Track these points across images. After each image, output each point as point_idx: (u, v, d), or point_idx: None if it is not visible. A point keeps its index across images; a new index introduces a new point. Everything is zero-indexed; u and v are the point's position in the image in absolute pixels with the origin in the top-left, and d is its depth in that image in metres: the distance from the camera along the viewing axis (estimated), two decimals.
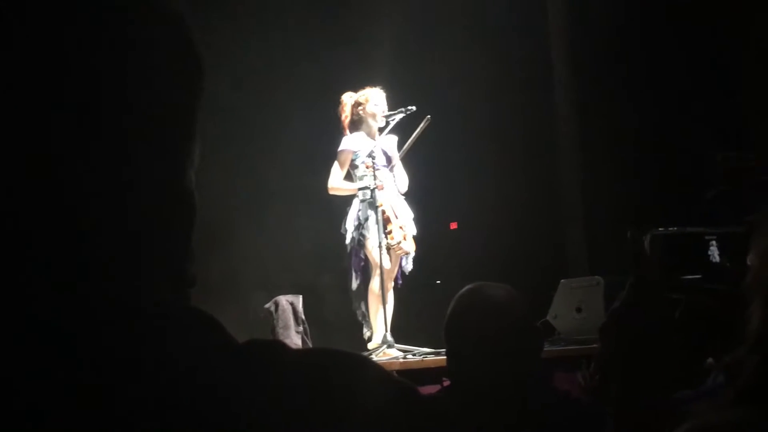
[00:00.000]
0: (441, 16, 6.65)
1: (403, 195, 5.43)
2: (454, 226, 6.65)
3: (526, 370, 1.91)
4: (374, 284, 5.18)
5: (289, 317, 5.46)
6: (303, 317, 5.53)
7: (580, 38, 6.63)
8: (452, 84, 6.64)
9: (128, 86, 0.60)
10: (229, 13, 6.38)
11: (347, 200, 5.32)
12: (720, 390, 1.28)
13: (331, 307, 6.15)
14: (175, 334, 0.59)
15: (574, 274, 5.75)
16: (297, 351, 0.62)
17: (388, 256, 5.14)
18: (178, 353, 0.58)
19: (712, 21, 5.82)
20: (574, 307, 4.88)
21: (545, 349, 2.32)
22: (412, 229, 5.34)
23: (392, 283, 5.26)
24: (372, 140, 5.32)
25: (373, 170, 5.14)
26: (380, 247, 5.01)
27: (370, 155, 5.19)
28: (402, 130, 5.33)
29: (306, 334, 5.51)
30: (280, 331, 5.37)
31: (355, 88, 5.45)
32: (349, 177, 5.34)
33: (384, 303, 5.02)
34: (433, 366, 4.32)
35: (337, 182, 5.30)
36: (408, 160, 5.45)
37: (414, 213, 5.42)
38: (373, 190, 5.10)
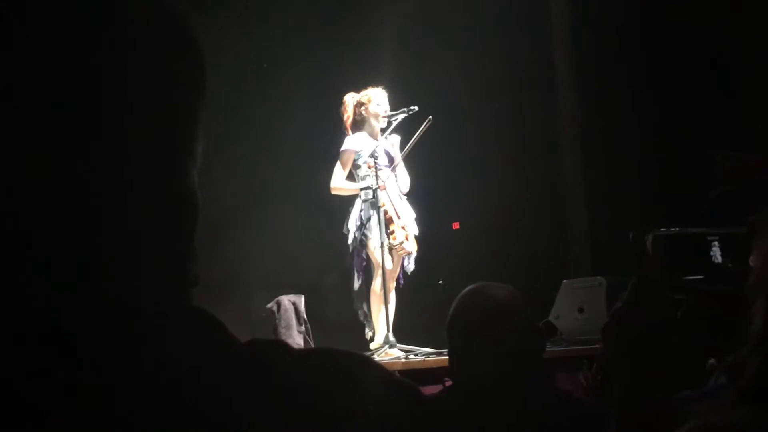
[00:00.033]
0: (443, 16, 6.64)
1: (405, 195, 5.43)
2: (456, 226, 6.65)
3: (528, 370, 1.91)
4: (376, 284, 5.18)
5: (292, 317, 5.46)
6: (305, 317, 5.53)
7: (582, 38, 6.63)
8: (454, 84, 6.63)
9: (129, 86, 0.60)
10: (231, 12, 6.38)
11: (349, 200, 5.32)
12: (722, 391, 1.28)
13: (334, 307, 6.15)
14: (178, 334, 0.59)
15: (576, 274, 5.75)
16: (299, 351, 0.62)
17: (390, 257, 5.14)
18: (180, 353, 0.58)
19: (713, 21, 5.81)
20: (576, 308, 4.87)
21: (547, 349, 2.32)
22: (414, 229, 5.34)
23: (394, 283, 5.26)
24: (374, 140, 5.32)
25: (375, 170, 5.14)
26: (382, 247, 5.01)
27: (373, 155, 5.19)
28: (404, 130, 5.33)
29: (308, 334, 5.51)
30: (282, 330, 5.37)
31: (358, 89, 5.45)
32: (351, 177, 5.34)
33: (386, 303, 5.02)
34: (435, 366, 4.32)
35: (339, 182, 5.30)
36: (410, 160, 5.45)
37: (416, 213, 5.42)
38: (375, 190, 5.10)
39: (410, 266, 5.34)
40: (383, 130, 5.33)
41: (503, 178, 6.67)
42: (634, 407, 1.15)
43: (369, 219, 5.13)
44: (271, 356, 0.60)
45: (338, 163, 5.31)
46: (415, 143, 5.24)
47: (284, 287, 5.78)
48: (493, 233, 6.51)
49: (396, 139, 5.36)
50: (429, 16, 6.65)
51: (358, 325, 5.40)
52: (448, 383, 2.09)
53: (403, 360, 4.70)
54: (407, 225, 5.28)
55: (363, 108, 5.38)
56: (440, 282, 6.17)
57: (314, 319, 5.63)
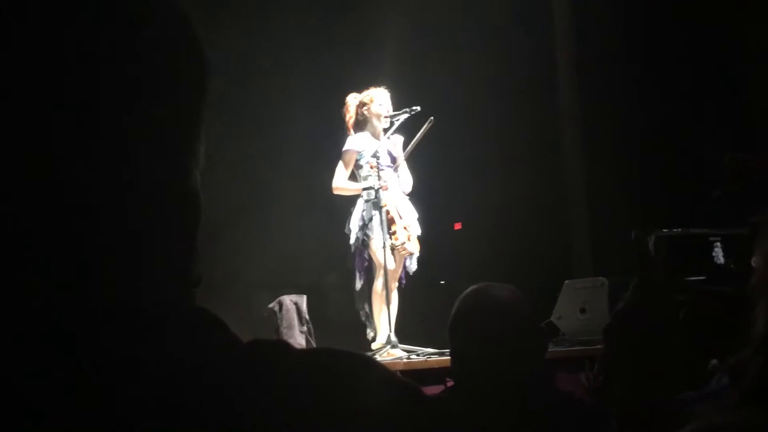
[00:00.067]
0: (445, 16, 6.65)
1: (407, 195, 5.43)
2: (458, 226, 6.65)
3: (529, 370, 1.91)
4: (378, 284, 5.18)
5: (293, 317, 5.46)
6: (307, 317, 5.53)
7: (583, 38, 6.63)
8: (456, 84, 6.63)
9: (130, 86, 0.60)
10: (233, 12, 6.39)
11: (351, 200, 5.32)
12: (724, 391, 1.28)
13: (335, 307, 6.15)
14: (179, 334, 0.59)
15: (578, 274, 5.75)
16: (301, 351, 0.62)
17: (392, 257, 5.14)
18: (182, 353, 0.58)
19: (716, 21, 5.81)
20: (578, 308, 4.87)
21: (549, 349, 2.32)
22: (416, 230, 5.34)
23: (396, 284, 5.26)
24: (377, 140, 5.32)
25: (377, 170, 5.14)
26: (384, 247, 5.01)
27: (375, 155, 5.19)
28: (407, 130, 5.33)
29: (310, 334, 5.51)
30: (284, 330, 5.37)
31: (360, 89, 5.46)
32: (353, 177, 5.34)
33: (388, 303, 5.02)
34: (436, 366, 4.32)
35: (341, 182, 5.30)
36: (412, 161, 5.45)
37: (418, 213, 5.42)
38: (377, 191, 5.10)
39: (412, 266, 5.34)
40: (385, 131, 5.33)
41: (505, 178, 6.67)
42: (635, 408, 1.15)
43: (371, 219, 5.13)
44: (273, 356, 0.60)
45: (340, 163, 5.31)
46: (417, 144, 5.24)
47: (286, 287, 5.79)
48: (494, 233, 6.51)
49: (399, 139, 5.36)
50: (430, 16, 6.65)
51: (360, 325, 5.40)
52: (450, 383, 2.09)
53: (405, 360, 4.71)
54: (409, 225, 5.27)
55: (365, 108, 5.38)
56: (442, 282, 6.18)
57: (316, 319, 5.64)
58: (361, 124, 5.40)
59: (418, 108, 5.22)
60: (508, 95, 6.67)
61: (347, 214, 5.31)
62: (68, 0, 0.59)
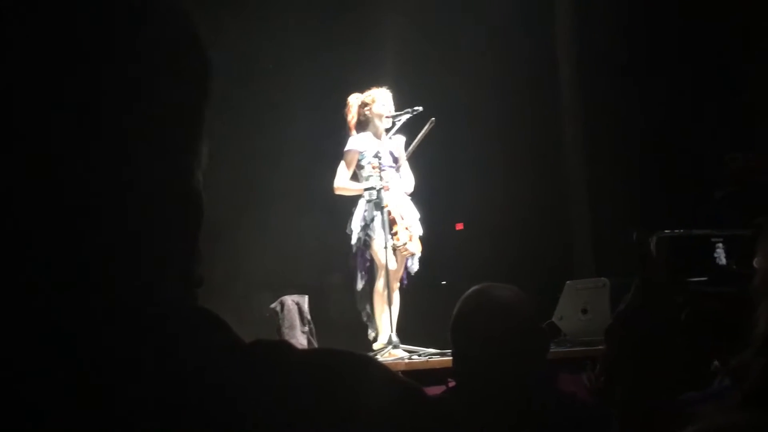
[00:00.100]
0: (445, 16, 6.64)
1: (408, 195, 5.43)
2: (459, 226, 6.65)
3: (531, 371, 1.91)
4: (379, 285, 5.18)
5: (295, 317, 5.46)
6: (309, 317, 5.53)
7: (585, 38, 6.62)
8: (457, 84, 6.63)
9: (131, 85, 0.60)
10: (233, 12, 6.39)
11: (353, 200, 5.32)
12: (726, 392, 1.28)
13: (337, 308, 6.15)
14: (182, 334, 0.59)
15: (579, 275, 5.74)
16: (303, 351, 0.62)
17: (393, 257, 5.14)
18: (184, 353, 0.58)
19: (717, 20, 5.80)
20: (579, 309, 4.87)
21: (551, 350, 2.32)
22: (417, 230, 5.34)
23: (398, 284, 5.26)
24: (378, 141, 5.32)
25: (379, 171, 5.14)
26: (386, 247, 5.01)
27: (377, 156, 5.19)
28: (408, 130, 5.33)
29: (312, 334, 5.51)
30: (285, 331, 5.38)
31: (361, 89, 5.45)
32: (355, 177, 5.34)
33: (389, 303, 5.02)
34: (438, 367, 4.32)
35: (343, 182, 5.30)
36: (414, 161, 5.45)
37: (420, 213, 5.42)
38: (379, 191, 5.10)
39: (414, 267, 5.34)
40: (387, 131, 5.33)
41: (506, 178, 6.66)
42: (637, 409, 1.15)
43: (373, 219, 5.13)
44: (274, 356, 0.60)
45: (342, 163, 5.31)
46: (419, 144, 5.24)
47: (288, 287, 5.79)
48: (496, 234, 6.51)
49: (401, 139, 5.36)
50: (432, 16, 6.65)
51: (361, 325, 5.40)
52: (452, 384, 2.09)
53: (407, 360, 4.70)
54: (411, 225, 5.27)
55: (367, 108, 5.38)
56: (443, 282, 6.18)
57: (318, 319, 5.64)
58: (363, 124, 5.40)
59: (420, 108, 5.21)
60: (509, 95, 6.67)
61: (349, 215, 5.31)
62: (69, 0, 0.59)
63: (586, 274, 5.80)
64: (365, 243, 5.19)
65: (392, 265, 5.09)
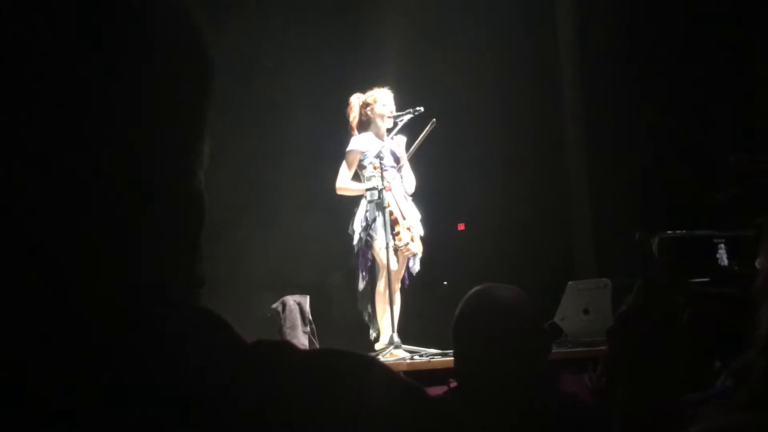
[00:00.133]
0: (446, 16, 6.64)
1: (410, 196, 5.43)
2: (461, 227, 6.65)
3: (533, 371, 1.91)
4: (381, 285, 5.18)
5: (297, 317, 5.46)
6: (310, 317, 5.53)
7: (586, 38, 6.62)
8: (459, 84, 6.63)
9: (133, 85, 0.60)
10: (237, 11, 6.39)
11: (355, 201, 5.32)
12: (728, 393, 1.27)
13: (339, 308, 6.15)
14: (183, 334, 0.59)
15: (581, 275, 5.74)
16: (304, 352, 0.62)
17: (395, 257, 5.14)
18: (186, 353, 0.57)
19: (719, 20, 5.80)
20: (581, 309, 4.87)
21: (552, 350, 2.32)
22: (419, 230, 5.34)
23: (399, 284, 5.26)
24: (380, 141, 5.32)
25: (380, 171, 5.14)
26: (387, 248, 5.01)
27: (378, 156, 5.19)
28: (410, 130, 5.33)
29: (313, 334, 5.51)
30: (287, 331, 5.37)
31: (363, 89, 5.46)
32: (356, 177, 5.34)
33: (391, 304, 5.02)
34: (439, 367, 4.32)
35: (344, 182, 5.30)
36: (415, 161, 5.45)
37: (421, 214, 5.42)
38: (380, 191, 5.10)
39: (415, 267, 5.34)
40: (389, 131, 5.33)
41: (508, 178, 6.66)
42: (639, 409, 1.15)
43: (374, 220, 5.13)
44: (276, 357, 0.60)
45: (344, 164, 5.32)
46: (420, 144, 5.24)
47: (289, 287, 5.79)
48: (498, 234, 6.51)
49: (402, 139, 5.36)
50: (433, 16, 6.65)
51: (363, 325, 5.41)
52: (453, 384, 2.09)
53: (408, 361, 4.70)
54: (413, 226, 5.28)
55: (369, 108, 5.38)
56: (445, 283, 6.18)
57: (319, 319, 5.64)
58: (364, 124, 5.40)
59: (422, 109, 5.21)
60: (510, 95, 6.67)
61: (350, 215, 5.31)
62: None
63: (587, 275, 5.80)
64: (367, 243, 5.19)
65: (394, 265, 5.09)
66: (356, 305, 5.44)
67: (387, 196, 5.11)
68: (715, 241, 1.28)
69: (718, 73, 5.92)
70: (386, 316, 5.08)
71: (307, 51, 6.61)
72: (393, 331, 4.98)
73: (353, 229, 5.25)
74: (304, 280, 6.19)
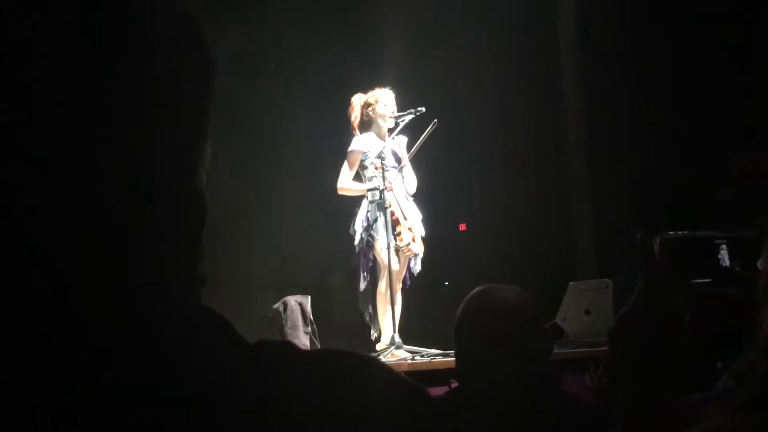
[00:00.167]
0: (446, 16, 6.64)
1: (411, 196, 5.43)
2: (462, 227, 6.64)
3: (535, 372, 1.91)
4: (382, 285, 5.18)
5: (298, 318, 5.46)
6: (311, 318, 5.53)
7: (588, 37, 6.61)
8: (460, 84, 6.63)
9: (135, 84, 0.60)
10: (239, 12, 6.39)
11: (356, 201, 5.32)
12: (730, 394, 1.27)
13: (340, 308, 6.15)
14: (185, 334, 0.59)
15: (583, 276, 5.74)
16: (306, 352, 0.62)
17: (396, 258, 5.14)
18: (187, 353, 0.57)
19: (721, 19, 5.79)
20: (582, 310, 4.87)
21: (554, 351, 2.32)
22: (420, 231, 5.34)
23: (400, 285, 5.26)
24: (382, 141, 5.32)
25: (382, 171, 5.14)
26: (389, 248, 5.01)
27: (380, 156, 5.19)
28: (411, 131, 5.33)
29: (314, 334, 5.51)
30: (288, 331, 5.37)
31: (363, 89, 5.46)
32: (358, 178, 5.34)
33: (392, 304, 5.02)
34: (441, 367, 4.32)
35: (346, 183, 5.30)
36: (417, 161, 5.45)
37: (423, 214, 5.42)
38: (382, 191, 5.10)
39: (417, 267, 5.34)
40: (390, 131, 5.33)
41: (509, 178, 6.66)
42: (640, 410, 1.15)
43: (376, 220, 5.13)
44: (278, 357, 0.60)
45: (345, 164, 5.32)
46: (422, 144, 5.24)
47: (291, 288, 5.79)
48: (499, 234, 6.50)
49: (403, 140, 5.36)
50: (434, 15, 6.65)
51: (364, 326, 5.41)
52: (455, 385, 2.09)
53: (409, 361, 4.70)
54: (414, 226, 5.28)
55: (370, 109, 5.38)
56: (446, 283, 6.18)
57: (321, 319, 5.64)
58: (366, 124, 5.41)
59: (423, 109, 5.21)
60: (511, 95, 6.67)
61: (352, 215, 5.31)
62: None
63: (589, 275, 5.80)
64: (368, 243, 5.19)
65: (395, 265, 5.09)
66: (357, 305, 5.44)
67: (388, 197, 5.11)
68: (717, 241, 1.28)
69: (719, 73, 5.91)
70: (387, 317, 5.08)
71: (307, 51, 6.61)
72: (394, 332, 4.98)
73: (354, 229, 5.25)
74: (306, 280, 6.19)
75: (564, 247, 6.60)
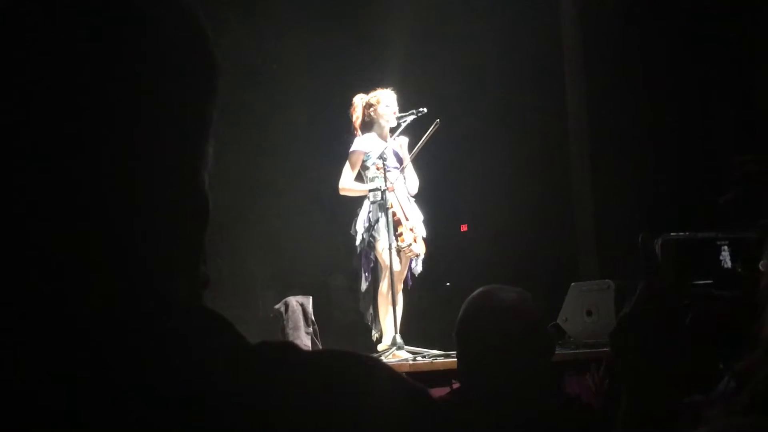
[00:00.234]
0: (451, 16, 6.64)
1: (413, 197, 5.43)
2: (464, 228, 6.64)
3: (536, 373, 1.91)
4: (383, 286, 5.18)
5: (299, 318, 5.46)
6: (313, 318, 5.53)
7: (591, 37, 6.61)
8: (462, 85, 6.63)
9: (137, 85, 0.60)
10: (240, 12, 6.40)
11: (358, 201, 5.32)
12: (731, 396, 1.27)
13: (341, 309, 6.15)
14: (187, 335, 0.59)
15: (584, 277, 5.74)
16: (307, 352, 0.62)
17: (398, 258, 5.13)
18: (189, 353, 0.57)
19: (725, 20, 5.79)
20: (584, 311, 4.86)
21: (555, 352, 2.32)
22: (422, 231, 5.34)
23: (402, 285, 5.26)
24: (383, 141, 5.32)
25: (383, 172, 5.14)
26: (390, 249, 5.01)
27: (382, 157, 5.19)
28: (413, 131, 5.33)
29: (316, 335, 5.51)
30: (289, 332, 5.37)
31: (367, 90, 5.46)
32: (359, 178, 5.34)
33: (394, 305, 5.02)
34: (442, 368, 4.32)
35: (348, 183, 5.30)
36: (418, 162, 5.45)
37: (424, 215, 5.42)
38: (383, 192, 5.10)
39: (418, 268, 5.34)
40: (392, 131, 5.33)
41: (511, 180, 6.66)
42: (641, 411, 1.15)
43: (377, 221, 5.13)
44: (279, 358, 0.60)
45: (347, 164, 5.32)
46: (423, 145, 5.24)
47: (292, 288, 5.79)
48: (501, 235, 6.50)
49: (404, 140, 5.36)
50: (436, 16, 6.65)
51: (365, 326, 5.40)
52: (456, 386, 2.09)
53: (411, 362, 4.70)
54: (415, 227, 5.27)
55: (372, 109, 5.38)
56: (448, 284, 6.18)
57: (322, 320, 5.64)
58: (368, 124, 5.40)
59: (425, 109, 5.21)
60: (513, 96, 6.67)
61: (353, 215, 5.31)
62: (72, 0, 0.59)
63: (590, 276, 5.80)
64: (369, 244, 5.19)
65: (396, 266, 5.09)
66: (359, 306, 5.44)
67: (390, 197, 5.11)
68: (719, 243, 1.27)
69: (724, 74, 5.91)
70: (389, 317, 5.08)
71: (309, 51, 6.61)
72: (396, 332, 4.98)
73: (356, 229, 5.25)
74: (307, 280, 6.19)
75: (566, 248, 6.60)
